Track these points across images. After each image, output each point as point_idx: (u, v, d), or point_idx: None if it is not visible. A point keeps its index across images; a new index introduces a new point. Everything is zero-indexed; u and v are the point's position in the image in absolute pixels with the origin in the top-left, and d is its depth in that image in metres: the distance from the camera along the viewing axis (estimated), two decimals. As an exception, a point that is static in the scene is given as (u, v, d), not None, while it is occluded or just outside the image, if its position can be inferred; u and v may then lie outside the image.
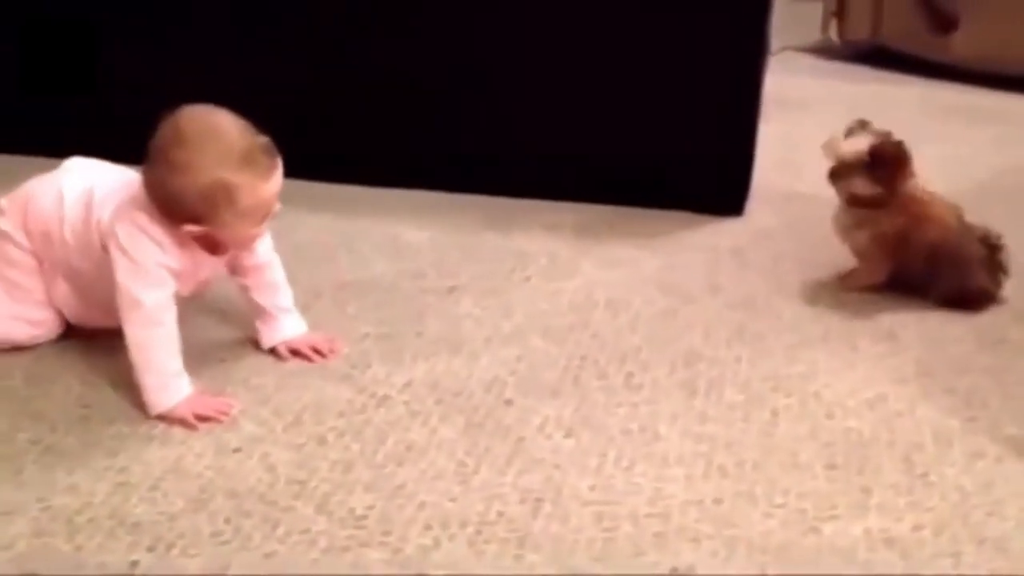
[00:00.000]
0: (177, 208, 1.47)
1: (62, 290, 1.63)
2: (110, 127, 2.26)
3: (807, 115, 2.98)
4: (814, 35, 3.70)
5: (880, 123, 2.98)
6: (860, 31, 3.60)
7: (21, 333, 1.63)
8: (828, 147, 1.91)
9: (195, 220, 1.47)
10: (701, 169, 2.25)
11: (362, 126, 2.29)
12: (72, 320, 1.66)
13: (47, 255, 1.61)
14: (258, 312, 1.67)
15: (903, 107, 3.15)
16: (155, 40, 2.34)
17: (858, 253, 1.94)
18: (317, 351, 1.67)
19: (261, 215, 1.51)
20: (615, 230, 2.18)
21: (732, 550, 1.29)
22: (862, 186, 1.88)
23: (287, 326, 1.68)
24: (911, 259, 1.89)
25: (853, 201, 1.90)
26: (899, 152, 1.87)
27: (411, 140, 2.32)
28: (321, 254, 2.00)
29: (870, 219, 1.89)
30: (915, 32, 3.48)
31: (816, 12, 3.69)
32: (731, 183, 2.27)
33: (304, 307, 1.71)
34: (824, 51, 3.69)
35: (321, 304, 1.81)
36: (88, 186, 1.58)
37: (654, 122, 2.26)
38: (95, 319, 1.61)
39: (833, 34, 3.68)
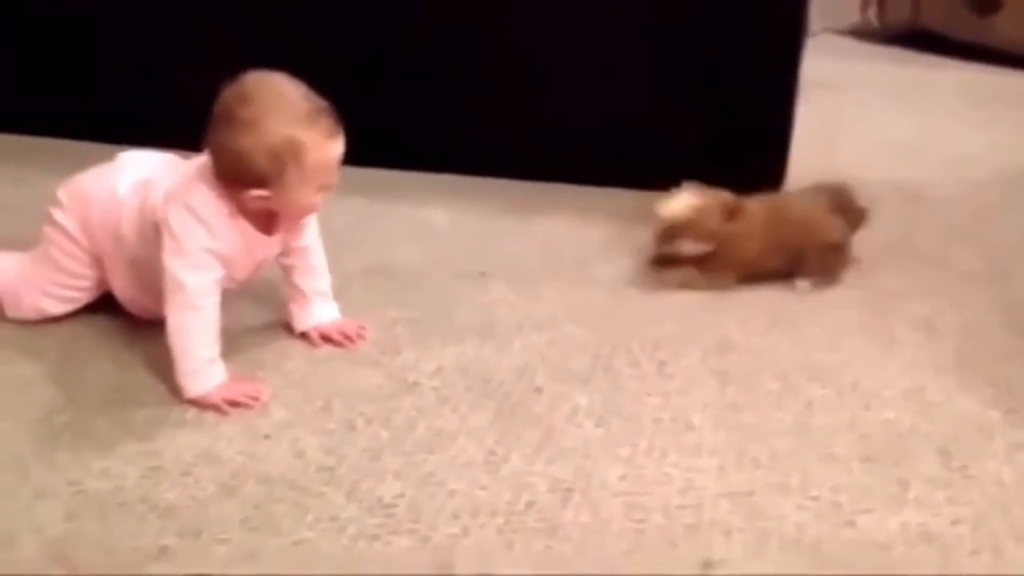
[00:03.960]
0: (242, 170, 1.47)
1: (125, 283, 1.63)
2: (110, 127, 2.27)
3: (845, 98, 2.94)
4: (853, 17, 3.66)
5: (918, 107, 2.96)
6: (900, 13, 3.55)
7: (52, 306, 1.65)
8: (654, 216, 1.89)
9: (260, 183, 1.47)
10: (738, 152, 2.23)
11: (389, 110, 2.28)
12: (132, 311, 1.66)
13: (110, 251, 1.62)
14: (295, 295, 1.68)
15: (942, 91, 3.11)
16: (156, 39, 2.33)
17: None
18: (347, 336, 1.66)
19: (323, 178, 1.50)
20: (648, 214, 2.16)
21: (764, 543, 1.27)
22: (689, 247, 1.85)
23: (321, 311, 1.68)
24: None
25: (684, 261, 1.87)
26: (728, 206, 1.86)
27: (440, 123, 2.30)
28: (350, 239, 1.99)
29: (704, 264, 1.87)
30: (956, 14, 3.42)
31: (856, -7, 3.65)
32: (768, 166, 2.24)
33: (333, 292, 1.70)
34: (863, 33, 3.64)
35: (350, 289, 1.80)
36: (143, 177, 1.59)
37: (691, 104, 2.24)
38: (155, 310, 1.59)
39: (872, 16, 3.63)
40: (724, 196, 1.87)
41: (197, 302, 1.49)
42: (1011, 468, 1.41)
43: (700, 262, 1.87)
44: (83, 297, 1.67)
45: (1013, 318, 1.81)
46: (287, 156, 1.46)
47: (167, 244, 1.50)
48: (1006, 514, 1.33)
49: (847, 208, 1.94)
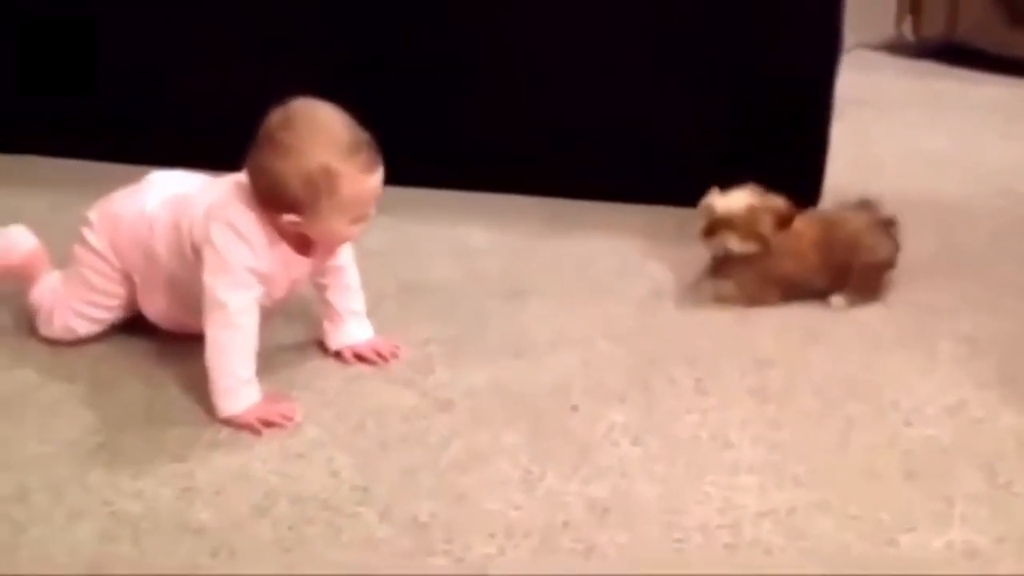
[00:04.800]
0: (277, 193, 1.47)
1: (161, 303, 1.64)
2: (110, 127, 2.27)
3: (880, 114, 2.91)
4: (887, 32, 3.62)
5: (954, 121, 2.92)
6: (935, 27, 3.51)
7: (81, 327, 1.66)
8: (703, 206, 1.86)
9: (294, 208, 1.47)
10: (773, 169, 2.20)
11: (389, 110, 2.25)
12: (166, 328, 1.67)
13: (143, 272, 1.62)
14: (329, 314, 1.67)
15: (978, 105, 3.07)
16: (156, 39, 2.31)
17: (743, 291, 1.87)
18: (380, 355, 1.66)
19: (358, 211, 1.50)
20: (682, 231, 2.14)
21: (806, 562, 1.24)
22: (735, 243, 1.83)
23: (354, 330, 1.67)
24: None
25: (725, 258, 1.85)
26: (782, 212, 1.83)
27: (440, 123, 2.28)
28: (383, 257, 1.98)
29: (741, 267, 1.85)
30: (992, 27, 3.38)
31: (890, 8, 3.61)
32: (804, 182, 2.22)
33: (367, 310, 1.70)
34: (898, 48, 3.60)
35: (384, 307, 1.80)
36: (173, 195, 1.60)
37: (725, 120, 2.22)
38: (192, 326, 1.59)
39: (907, 30, 3.60)
40: (779, 203, 1.84)
41: (236, 320, 1.50)
42: (1058, 485, 1.38)
43: (743, 275, 1.85)
44: (111, 317, 1.67)
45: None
46: (321, 185, 1.46)
47: (209, 261, 1.50)
48: (1054, 532, 1.30)
49: (892, 223, 1.90)
